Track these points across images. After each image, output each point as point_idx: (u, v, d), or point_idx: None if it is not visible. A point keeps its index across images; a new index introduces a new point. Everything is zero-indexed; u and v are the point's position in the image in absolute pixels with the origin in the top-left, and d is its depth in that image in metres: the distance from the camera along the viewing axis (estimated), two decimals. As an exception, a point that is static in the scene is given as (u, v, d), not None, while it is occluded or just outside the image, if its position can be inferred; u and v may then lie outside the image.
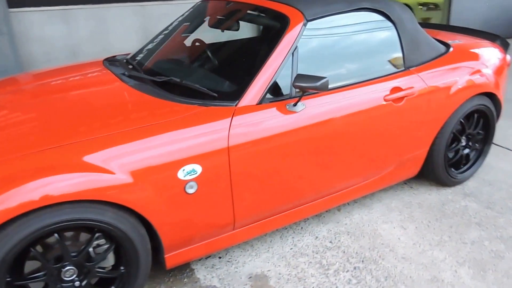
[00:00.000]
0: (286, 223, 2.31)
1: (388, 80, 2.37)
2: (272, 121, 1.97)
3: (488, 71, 2.80)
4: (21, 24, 4.46)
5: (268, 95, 2.03)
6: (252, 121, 1.92)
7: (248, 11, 2.42)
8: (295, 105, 2.04)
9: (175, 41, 2.53)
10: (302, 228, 2.53)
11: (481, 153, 3.00)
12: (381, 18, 2.45)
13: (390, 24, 2.47)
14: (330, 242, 2.40)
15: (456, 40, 3.00)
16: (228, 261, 2.25)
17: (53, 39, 4.67)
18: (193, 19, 2.71)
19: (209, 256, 2.29)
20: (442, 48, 2.76)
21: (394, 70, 2.45)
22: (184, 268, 2.21)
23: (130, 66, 2.48)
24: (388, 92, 2.33)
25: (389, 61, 2.44)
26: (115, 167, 1.63)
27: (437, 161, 2.72)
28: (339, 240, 2.41)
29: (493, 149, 3.52)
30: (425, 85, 2.46)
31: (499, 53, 3.03)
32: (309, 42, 2.19)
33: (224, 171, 1.86)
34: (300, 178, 2.14)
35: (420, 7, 9.14)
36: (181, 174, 1.73)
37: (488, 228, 2.51)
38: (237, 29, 2.55)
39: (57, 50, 4.72)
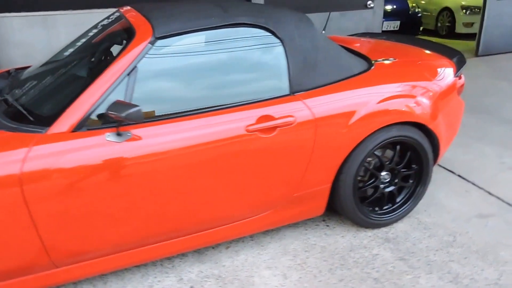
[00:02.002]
0: (146, 260, 2.08)
1: (258, 107, 2.03)
2: (84, 152, 1.74)
3: (419, 97, 2.34)
4: (1, 29, 4.60)
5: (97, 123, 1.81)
6: (59, 151, 1.71)
7: (114, 24, 2.21)
8: (119, 134, 1.80)
9: (56, 53, 2.39)
10: (173, 266, 2.27)
11: (412, 194, 2.52)
12: (264, 34, 2.12)
13: (276, 41, 2.13)
14: (192, 287, 2.12)
15: (391, 58, 2.55)
16: (69, 299, 2.07)
17: (34, 44, 4.76)
18: (91, 30, 2.54)
19: (53, 291, 2.12)
20: (357, 68, 2.34)
21: (273, 95, 2.10)
22: (19, 302, 2.06)
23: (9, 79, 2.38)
24: (253, 121, 2.00)
25: (268, 84, 2.10)
26: None
27: (345, 200, 2.32)
28: (202, 286, 2.13)
29: (456, 182, 3.00)
30: (310, 114, 2.09)
31: (446, 75, 2.54)
32: (157, 63, 1.93)
33: (19, 207, 1.67)
34: (128, 215, 1.89)
35: (463, 11, 8.30)
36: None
37: (385, 287, 2.09)
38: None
39: (37, 55, 4.82)
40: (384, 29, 7.14)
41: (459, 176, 3.09)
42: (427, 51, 2.79)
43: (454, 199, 2.80)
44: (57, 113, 1.79)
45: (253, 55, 2.10)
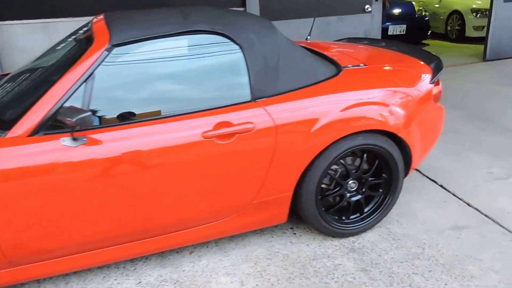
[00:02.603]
0: (107, 261, 2.11)
1: (217, 113, 2.04)
2: (39, 156, 1.79)
3: (388, 105, 2.30)
4: (4, 36, 4.76)
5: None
6: (14, 155, 1.77)
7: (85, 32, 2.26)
8: (74, 139, 1.84)
9: (32, 61, 2.46)
10: (135, 269, 2.30)
11: (381, 204, 2.48)
12: (222, 41, 2.13)
13: (235, 47, 2.14)
14: (148, 291, 2.15)
15: (361, 64, 2.52)
16: (28, 299, 2.12)
17: (37, 50, 4.90)
18: (65, 39, 2.61)
19: (14, 291, 2.18)
20: (324, 74, 2.32)
21: (235, 101, 2.11)
22: (-19, 301, 2.12)
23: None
24: (210, 128, 2.01)
25: (229, 91, 2.11)
26: None
27: (307, 208, 2.30)
28: (158, 290, 2.15)
29: (436, 192, 2.93)
30: (270, 120, 2.09)
31: (420, 81, 2.49)
32: (115, 70, 1.97)
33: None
34: (85, 217, 1.93)
35: (473, 14, 8.11)
36: None
37: (339, 298, 2.06)
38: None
39: (40, 59, 4.96)
40: (390, 33, 7.04)
41: (440, 186, 3.02)
42: (405, 57, 2.75)
43: (430, 210, 2.74)
44: (17, 117, 1.86)
45: (212, 61, 2.11)
